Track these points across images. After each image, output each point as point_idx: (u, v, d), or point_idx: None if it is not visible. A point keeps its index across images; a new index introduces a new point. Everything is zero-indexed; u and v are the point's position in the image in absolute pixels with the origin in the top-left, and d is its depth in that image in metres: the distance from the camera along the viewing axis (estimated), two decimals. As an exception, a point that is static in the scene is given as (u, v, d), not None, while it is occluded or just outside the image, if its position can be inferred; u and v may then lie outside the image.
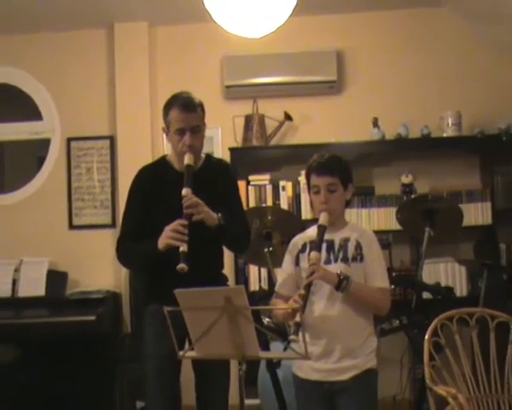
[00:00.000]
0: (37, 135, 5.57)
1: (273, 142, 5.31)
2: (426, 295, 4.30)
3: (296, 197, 5.18)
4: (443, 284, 4.81)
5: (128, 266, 3.68)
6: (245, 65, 5.27)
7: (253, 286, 5.11)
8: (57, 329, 4.66)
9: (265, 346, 3.63)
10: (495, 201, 5.02)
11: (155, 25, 5.41)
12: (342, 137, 5.09)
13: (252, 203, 5.14)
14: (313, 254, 2.75)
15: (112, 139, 5.43)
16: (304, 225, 3.59)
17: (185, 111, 3.14)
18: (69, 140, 5.46)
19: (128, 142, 5.32)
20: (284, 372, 3.67)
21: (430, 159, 5.23)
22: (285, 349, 3.32)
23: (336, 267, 2.78)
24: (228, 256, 3.67)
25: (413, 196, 4.91)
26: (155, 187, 3.23)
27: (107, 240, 5.21)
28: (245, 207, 3.88)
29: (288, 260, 2.98)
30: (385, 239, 4.84)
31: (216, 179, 3.28)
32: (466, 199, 5.02)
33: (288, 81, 5.29)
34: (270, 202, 5.16)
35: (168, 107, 3.20)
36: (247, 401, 2.80)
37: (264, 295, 4.27)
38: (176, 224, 3.00)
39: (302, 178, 5.01)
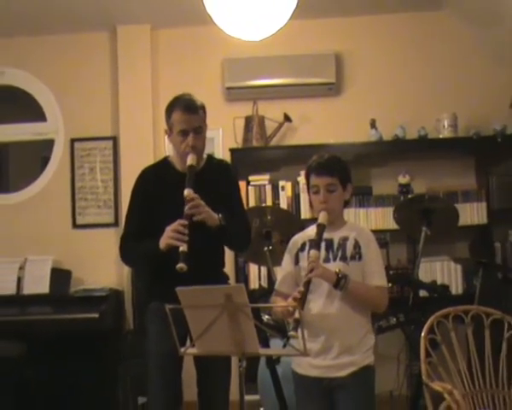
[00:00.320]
0: (41, 136, 5.59)
1: (273, 143, 5.33)
2: (422, 293, 4.29)
3: (295, 197, 5.19)
4: (439, 282, 4.83)
5: (130, 264, 3.70)
6: (245, 67, 5.29)
7: (253, 284, 5.13)
8: (61, 325, 4.70)
9: (265, 343, 3.59)
10: (490, 201, 5.03)
11: (157, 27, 5.42)
12: (341, 138, 5.12)
13: (252, 203, 5.14)
14: (312, 252, 2.76)
15: (115, 140, 5.45)
16: (303, 224, 3.58)
17: (188, 113, 3.16)
18: (73, 141, 5.49)
19: (130, 142, 5.34)
20: (284, 369, 3.66)
21: (427, 160, 5.25)
22: (284, 346, 3.23)
23: (335, 266, 2.79)
24: (228, 255, 3.64)
25: (410, 196, 4.93)
26: (157, 188, 3.24)
27: (110, 239, 5.23)
28: (245, 207, 3.85)
29: (287, 258, 2.99)
30: (382, 238, 4.89)
31: (217, 180, 3.29)
32: (462, 199, 5.04)
33: (288, 83, 5.31)
34: (269, 202, 5.17)
35: (171, 109, 3.21)
36: (247, 397, 2.78)
37: (264, 293, 4.29)
38: (176, 224, 3.02)
39: (301, 179, 5.02)
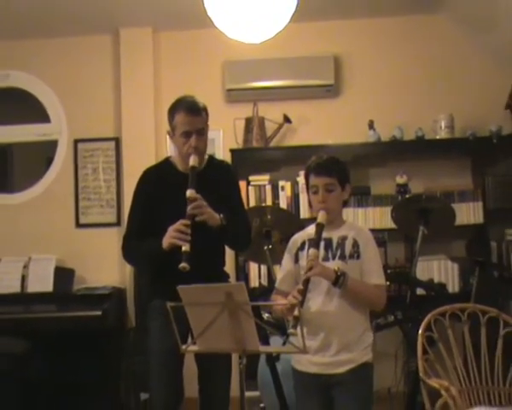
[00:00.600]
0: (45, 137, 5.60)
1: (272, 143, 5.35)
2: (420, 291, 4.32)
3: (295, 197, 5.20)
4: (436, 280, 4.84)
5: (133, 263, 3.72)
6: (245, 69, 5.29)
7: (253, 283, 5.14)
8: (64, 323, 4.70)
9: (265, 340, 3.59)
10: (486, 201, 5.02)
11: (159, 30, 5.44)
12: (339, 138, 5.14)
13: (252, 203, 5.15)
14: (312, 251, 2.78)
15: (117, 141, 5.46)
16: (302, 223, 3.56)
17: (191, 114, 3.19)
18: (76, 141, 5.51)
19: (133, 143, 5.34)
20: (283, 366, 3.67)
21: (424, 160, 5.27)
22: (284, 344, 3.34)
23: (334, 264, 2.81)
24: (229, 254, 3.66)
25: (407, 196, 4.95)
26: (159, 188, 3.27)
27: (113, 238, 5.26)
28: (245, 207, 3.88)
29: (287, 257, 3.01)
30: (380, 237, 4.91)
31: (218, 180, 3.32)
32: (458, 199, 5.04)
33: (287, 85, 5.32)
34: (269, 202, 5.18)
35: (174, 110, 3.25)
36: (247, 394, 2.80)
37: (264, 291, 4.29)
38: (179, 224, 3.05)
39: (301, 179, 5.04)
